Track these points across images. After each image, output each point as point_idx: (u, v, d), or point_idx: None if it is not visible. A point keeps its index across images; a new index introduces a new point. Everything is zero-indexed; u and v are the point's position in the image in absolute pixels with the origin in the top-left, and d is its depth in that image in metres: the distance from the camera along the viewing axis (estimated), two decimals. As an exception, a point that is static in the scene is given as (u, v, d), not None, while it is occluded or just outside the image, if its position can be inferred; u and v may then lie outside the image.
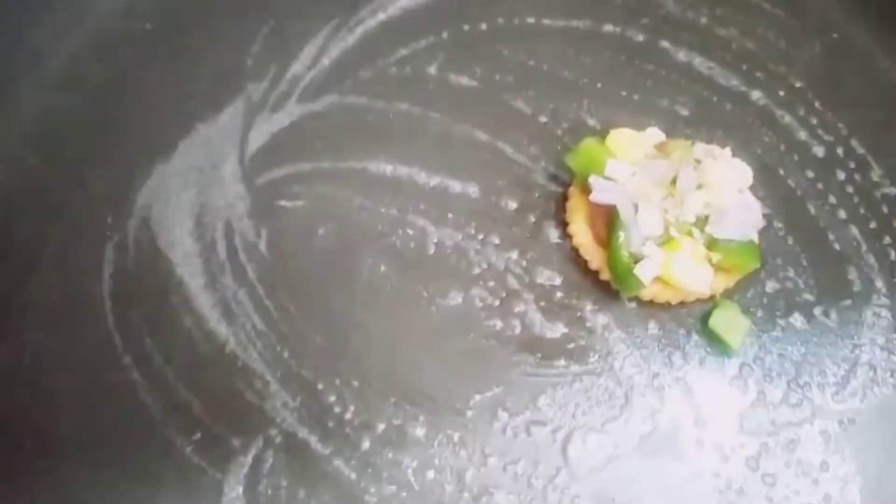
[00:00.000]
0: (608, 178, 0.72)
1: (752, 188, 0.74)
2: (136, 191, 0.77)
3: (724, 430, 0.70)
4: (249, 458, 0.67)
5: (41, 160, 0.79)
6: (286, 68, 0.84)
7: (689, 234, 0.70)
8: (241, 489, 0.66)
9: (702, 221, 0.70)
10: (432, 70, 0.84)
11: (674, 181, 0.71)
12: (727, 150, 0.74)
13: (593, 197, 0.71)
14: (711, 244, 0.70)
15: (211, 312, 0.72)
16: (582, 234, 0.74)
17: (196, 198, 0.77)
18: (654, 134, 0.76)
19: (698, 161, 0.71)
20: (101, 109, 0.81)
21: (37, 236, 0.75)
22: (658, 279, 0.71)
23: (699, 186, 0.70)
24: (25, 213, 0.76)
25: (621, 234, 0.70)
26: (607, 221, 0.72)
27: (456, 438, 0.68)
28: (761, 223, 0.73)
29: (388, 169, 0.79)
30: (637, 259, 0.70)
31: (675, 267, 0.69)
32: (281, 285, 0.74)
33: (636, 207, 0.70)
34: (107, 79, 0.83)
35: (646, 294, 0.72)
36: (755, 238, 0.73)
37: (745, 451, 0.70)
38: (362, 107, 0.82)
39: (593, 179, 0.72)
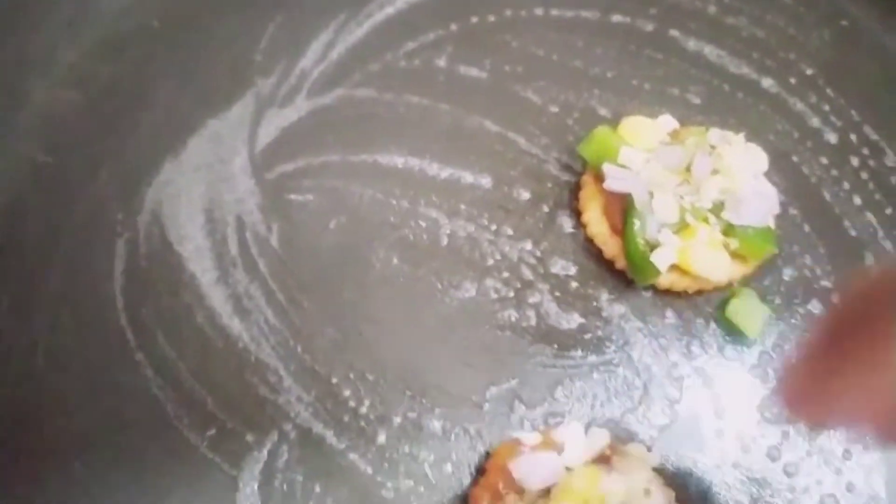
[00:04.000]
0: (622, 166, 0.71)
1: (767, 175, 0.73)
2: (146, 187, 0.77)
3: (744, 419, 0.69)
4: (264, 454, 0.66)
5: (51, 158, 0.78)
6: (295, 63, 0.83)
7: (706, 220, 0.69)
8: (256, 485, 0.65)
9: (718, 208, 0.70)
10: (441, 62, 0.83)
11: (688, 168, 0.70)
12: (741, 136, 0.73)
13: (607, 185, 0.71)
14: (728, 230, 0.69)
15: (223, 307, 0.72)
16: (596, 223, 0.73)
17: (206, 193, 0.77)
18: (668, 121, 0.75)
19: (713, 147, 0.70)
20: (110, 107, 0.81)
21: (47, 234, 0.74)
22: (674, 267, 0.70)
23: (714, 172, 0.69)
24: (35, 212, 0.76)
25: (636, 222, 0.69)
26: (622, 210, 0.71)
27: (473, 431, 0.68)
28: (777, 209, 0.73)
29: (399, 161, 0.79)
30: (653, 247, 0.69)
31: (691, 254, 0.69)
32: (293, 279, 0.73)
33: (651, 195, 0.69)
34: (115, 76, 0.82)
35: (662, 283, 0.71)
36: (771, 224, 0.72)
37: (767, 441, 0.69)
38: (371, 100, 0.82)
39: (607, 167, 0.71)
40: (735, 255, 0.71)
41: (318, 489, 0.65)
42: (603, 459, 0.61)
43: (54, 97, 0.81)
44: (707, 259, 0.69)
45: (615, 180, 0.70)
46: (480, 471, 0.65)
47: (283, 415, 0.68)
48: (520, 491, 0.60)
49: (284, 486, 0.65)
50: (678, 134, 0.74)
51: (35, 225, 0.75)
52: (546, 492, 0.59)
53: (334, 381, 0.69)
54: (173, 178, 0.78)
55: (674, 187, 0.70)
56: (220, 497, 0.65)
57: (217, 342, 0.70)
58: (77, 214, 0.76)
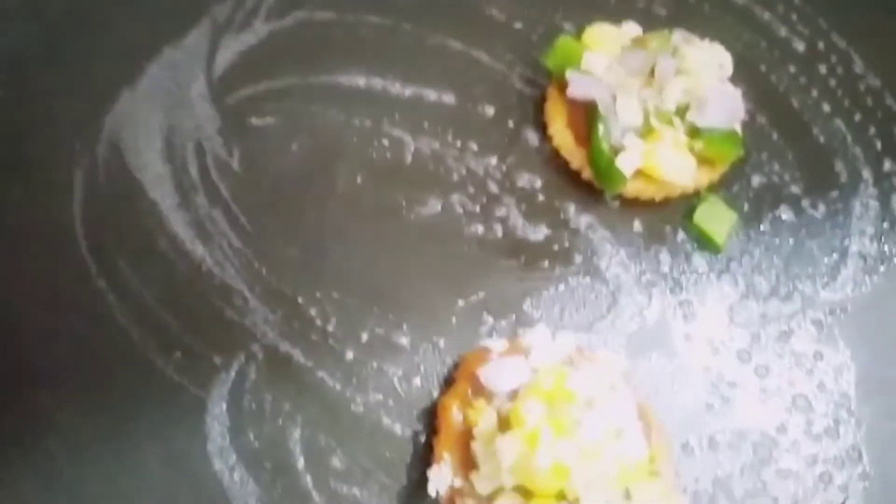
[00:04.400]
0: (585, 73, 0.70)
1: (735, 85, 0.72)
2: (103, 116, 0.75)
3: (713, 324, 0.69)
4: (232, 374, 0.65)
5: (5, 91, 0.76)
6: (251, -13, 0.81)
7: (670, 123, 0.68)
8: (224, 405, 0.64)
9: (682, 110, 0.69)
10: (403, -19, 0.81)
11: (652, 71, 0.69)
12: (706, 40, 0.72)
13: (570, 91, 0.70)
14: (693, 133, 0.69)
15: (185, 232, 0.70)
16: (562, 134, 0.72)
17: (165, 120, 0.75)
18: (632, 28, 0.74)
19: (676, 48, 0.69)
20: (65, 37, 0.79)
21: (4, 168, 0.73)
22: (641, 175, 0.70)
23: (678, 73, 0.68)
24: (-10, 145, 0.74)
25: (601, 127, 0.68)
26: (587, 119, 0.70)
27: (441, 344, 0.67)
28: (743, 113, 0.72)
29: (360, 82, 0.77)
30: (618, 152, 0.68)
31: (656, 157, 0.68)
32: (256, 202, 0.72)
33: (614, 99, 0.68)
34: (68, 6, 0.80)
35: (629, 191, 0.71)
36: (738, 129, 0.72)
37: (737, 344, 0.68)
38: (331, 22, 0.80)
39: (570, 74, 0.70)
40: (702, 161, 0.70)
41: (287, 407, 0.65)
42: (570, 363, 0.61)
43: (6, 31, 0.79)
44: (672, 162, 0.68)
45: (578, 86, 0.69)
46: (449, 381, 0.65)
47: (250, 336, 0.67)
48: (488, 396, 0.59)
49: (253, 405, 0.65)
50: (642, 41, 0.72)
51: (-9, 157, 0.73)
52: (513, 396, 0.58)
53: (300, 300, 0.68)
54: (130, 107, 0.76)
55: (637, 90, 0.69)
56: (188, 419, 0.64)
57: (180, 267, 0.69)
58: (34, 146, 0.74)
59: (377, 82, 0.77)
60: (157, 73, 0.77)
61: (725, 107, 0.69)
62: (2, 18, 0.80)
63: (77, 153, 0.73)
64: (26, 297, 0.68)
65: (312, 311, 0.68)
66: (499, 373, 0.59)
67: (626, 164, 0.67)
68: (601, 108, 0.68)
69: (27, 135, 0.74)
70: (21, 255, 0.70)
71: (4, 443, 0.63)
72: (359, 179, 0.73)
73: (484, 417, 0.58)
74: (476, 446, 0.57)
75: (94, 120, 0.75)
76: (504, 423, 0.57)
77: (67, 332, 0.67)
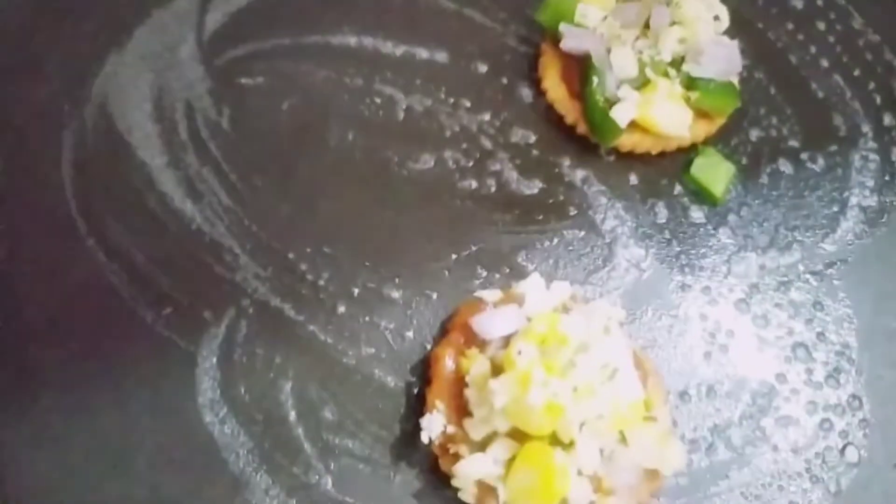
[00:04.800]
0: (579, 25, 0.69)
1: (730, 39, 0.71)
2: (91, 78, 0.74)
3: (710, 274, 0.68)
4: (222, 329, 0.64)
5: (-8, 54, 0.75)
6: (240, -51, 0.80)
7: (666, 74, 0.68)
8: (214, 359, 0.63)
9: (678, 61, 0.68)
10: (394, -59, 0.80)
11: (647, 24, 0.68)
12: (702, -9, 0.71)
13: (564, 44, 0.69)
14: (689, 84, 0.68)
15: (175, 191, 0.70)
16: (555, 88, 0.72)
17: (154, 81, 0.74)
18: (626, -18, 0.73)
19: (671, -1, 0.68)
20: (52, 1, 0.78)
21: (-8, 130, 0.72)
22: (637, 128, 0.69)
23: (673, 23, 0.67)
24: (-21, 109, 0.73)
25: (595, 80, 0.67)
26: (581, 73, 0.69)
27: (434, 298, 0.66)
28: (740, 65, 0.71)
29: (351, 41, 0.76)
30: (612, 104, 0.67)
31: (652, 109, 0.67)
32: (246, 160, 0.71)
33: (609, 51, 0.67)
34: (56, -30, 0.79)
35: (624, 144, 0.70)
36: (735, 82, 0.71)
37: (735, 295, 0.67)
38: (322, -17, 0.79)
39: (564, 27, 0.69)
40: (699, 114, 0.69)
41: (278, 360, 0.64)
42: (564, 311, 0.60)
43: (-6, -6, 0.78)
44: (668, 113, 0.67)
45: (572, 38, 0.69)
46: (442, 333, 0.64)
47: (241, 291, 0.66)
48: (481, 345, 0.58)
49: (244, 359, 0.64)
50: (637, -6, 0.71)
51: (-21, 121, 0.73)
52: (507, 343, 0.57)
53: (291, 256, 0.67)
54: (119, 69, 0.75)
55: (632, 41, 0.68)
56: (179, 373, 0.63)
57: (170, 225, 0.69)
58: (23, 108, 0.73)
59: (368, 41, 0.76)
60: (146, 36, 0.77)
61: (722, 58, 0.68)
62: (-8, -18, 0.79)
63: (65, 115, 0.73)
64: (17, 258, 0.67)
65: (303, 266, 0.67)
66: (492, 321, 0.58)
67: (621, 115, 0.66)
68: (595, 61, 0.67)
69: (16, 97, 0.74)
70: (11, 217, 0.69)
71: (-7, 401, 0.62)
72: (350, 137, 0.72)
73: (477, 364, 0.57)
74: (469, 392, 0.56)
75: (82, 82, 0.74)
76: (497, 371, 0.56)
77: (58, 290, 0.66)
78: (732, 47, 0.69)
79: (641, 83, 0.68)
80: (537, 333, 0.54)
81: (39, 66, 0.75)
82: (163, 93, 0.74)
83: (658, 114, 0.67)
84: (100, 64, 0.75)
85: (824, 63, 0.78)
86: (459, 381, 0.58)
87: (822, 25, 0.80)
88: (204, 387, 0.63)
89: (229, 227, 0.68)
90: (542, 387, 0.51)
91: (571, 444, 0.53)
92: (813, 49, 0.79)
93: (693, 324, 0.66)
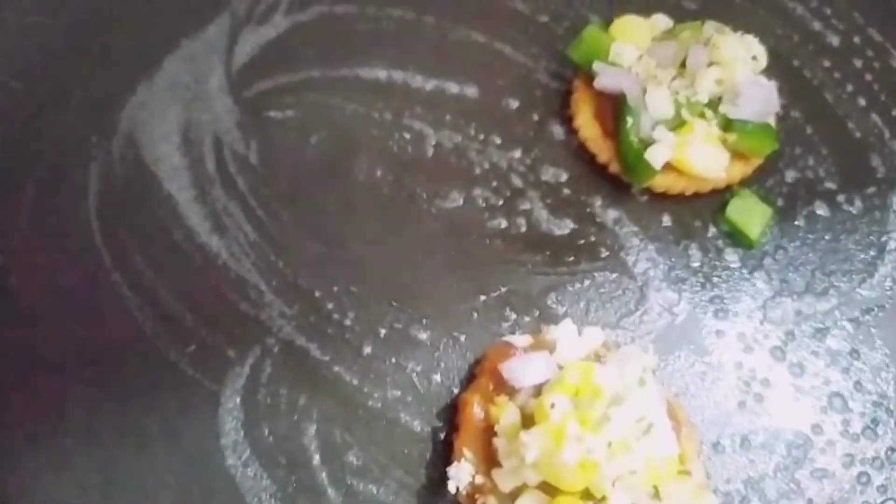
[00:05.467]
0: (613, 64, 0.68)
1: (767, 79, 0.70)
2: (119, 109, 0.74)
3: (746, 320, 0.67)
4: (246, 368, 0.64)
5: (23, 83, 0.75)
6: (272, -19, 0.80)
7: (702, 115, 0.66)
8: (238, 399, 0.63)
9: (715, 102, 0.67)
10: (426, -26, 0.80)
11: (683, 63, 0.67)
12: (739, 33, 0.70)
13: (598, 83, 0.68)
14: (726, 126, 0.66)
15: (201, 225, 0.69)
16: (588, 126, 0.70)
17: (182, 113, 0.74)
18: (661, 20, 0.72)
19: (708, 39, 0.67)
20: (83, 30, 0.78)
21: (21, 159, 0.72)
22: (671, 168, 0.67)
23: (711, 64, 0.66)
24: (9, 137, 0.73)
25: (629, 120, 0.66)
26: (614, 110, 0.68)
27: (462, 340, 0.65)
28: (777, 106, 0.69)
29: (381, 75, 0.76)
30: (647, 145, 0.66)
31: (687, 151, 0.66)
32: (273, 195, 0.70)
33: (644, 90, 0.66)
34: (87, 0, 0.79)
35: (658, 184, 0.68)
36: (772, 123, 0.69)
37: (770, 342, 0.66)
38: (352, 15, 0.79)
39: (598, 65, 0.68)
40: (735, 155, 0.68)
41: (302, 401, 0.63)
42: (596, 359, 0.58)
43: (25, 23, 0.79)
44: (704, 156, 0.66)
45: (607, 77, 0.67)
46: (469, 378, 0.62)
47: (266, 329, 0.65)
48: (511, 392, 0.57)
49: (268, 399, 0.63)
50: (673, 31, 0.70)
51: (8, 150, 0.73)
52: (537, 391, 0.56)
53: (317, 294, 0.66)
54: (148, 100, 0.75)
55: (668, 82, 0.67)
56: (202, 412, 0.62)
57: (196, 260, 0.68)
58: (50, 138, 0.73)
59: (398, 75, 0.75)
60: (176, 67, 0.76)
61: (760, 99, 0.66)
62: (22, 11, 0.79)
63: (93, 146, 0.72)
64: (41, 290, 0.67)
65: (330, 305, 0.66)
66: (522, 367, 0.57)
67: (655, 157, 0.65)
68: (630, 100, 0.66)
69: (44, 127, 0.73)
70: (36, 248, 0.68)
71: (17, 435, 0.62)
72: (378, 172, 0.71)
73: (506, 413, 0.55)
74: (498, 442, 0.55)
75: (110, 113, 0.74)
76: (528, 420, 0.55)
77: (82, 324, 0.66)
78: (770, 88, 0.68)
79: (677, 124, 0.66)
80: (570, 385, 0.53)
81: (68, 96, 0.75)
82: (191, 125, 0.74)
83: (694, 156, 0.66)
84: (129, 94, 0.75)
85: (862, 102, 0.77)
86: (488, 430, 0.57)
87: (859, 63, 0.79)
88: (227, 427, 0.62)
89: (255, 263, 0.67)
90: (576, 442, 0.49)
91: (603, 498, 0.51)
92: (850, 87, 0.77)
93: (727, 371, 0.64)
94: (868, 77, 0.78)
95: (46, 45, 0.77)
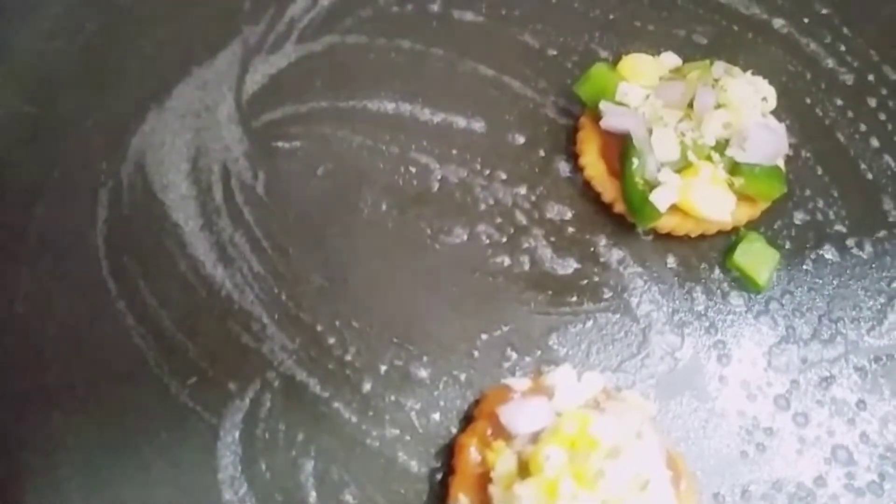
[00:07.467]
0: (619, 103, 0.68)
1: (777, 116, 0.70)
2: (130, 136, 0.74)
3: (750, 367, 0.66)
4: (246, 402, 0.64)
5: (35, 108, 0.76)
6: (283, 10, 0.80)
7: (709, 158, 0.66)
8: (237, 433, 0.63)
9: (722, 145, 0.66)
10: (435, 7, 0.80)
11: (691, 104, 0.67)
12: (748, 72, 0.69)
13: (604, 122, 0.67)
14: (733, 169, 0.66)
15: (207, 256, 0.69)
16: (594, 165, 0.70)
17: (191, 141, 0.74)
18: (670, 58, 0.72)
19: (717, 80, 0.66)
20: (95, 56, 0.78)
21: (30, 184, 0.72)
22: (677, 209, 0.67)
23: (718, 106, 0.65)
24: (19, 162, 0.74)
25: (635, 161, 0.66)
26: (620, 150, 0.67)
27: (462, 379, 0.65)
28: (786, 148, 0.68)
29: (389, 107, 0.76)
30: (652, 187, 0.65)
31: (693, 194, 0.65)
32: (279, 227, 0.70)
33: (650, 132, 0.66)
34: (100, 25, 0.80)
35: (663, 226, 0.68)
36: (781, 165, 0.68)
37: (774, 390, 0.65)
38: (363, 46, 0.79)
39: (604, 105, 0.68)
40: (742, 198, 0.67)
41: (300, 437, 0.63)
42: (595, 405, 0.58)
43: (38, 48, 0.79)
44: (711, 199, 0.65)
45: (612, 117, 0.67)
46: (468, 418, 0.62)
47: (266, 363, 0.65)
48: (508, 437, 0.57)
49: (267, 435, 0.63)
50: (680, 71, 0.70)
51: (18, 175, 0.73)
52: (535, 438, 0.56)
53: (319, 328, 0.66)
54: (158, 127, 0.75)
55: (674, 123, 0.66)
56: (200, 446, 0.62)
57: (200, 291, 0.68)
58: (60, 164, 0.74)
59: (406, 108, 0.75)
60: (186, 94, 0.77)
61: (768, 143, 0.66)
62: (34, 38, 0.80)
63: (103, 173, 0.73)
64: (45, 317, 0.67)
65: (331, 340, 0.66)
66: (520, 414, 0.56)
67: (661, 199, 0.64)
68: (636, 141, 0.66)
69: (54, 153, 0.74)
70: (42, 275, 0.69)
71: (15, 465, 0.62)
72: (384, 206, 0.71)
73: (502, 460, 0.55)
74: (493, 490, 0.54)
75: (121, 140, 0.74)
76: (524, 468, 0.54)
77: (84, 351, 0.66)
78: (779, 131, 0.67)
79: (683, 166, 0.66)
80: (566, 435, 0.53)
81: (78, 122, 0.75)
82: (200, 153, 0.74)
83: (700, 198, 0.65)
84: (139, 121, 0.75)
85: (874, 142, 0.76)
86: (484, 475, 0.56)
87: (873, 102, 0.78)
88: (225, 462, 0.62)
89: (258, 296, 0.68)
90: (570, 500, 0.49)
91: (597, 553, 0.51)
92: (863, 127, 0.77)
93: (729, 419, 0.64)
94: (882, 116, 0.77)
95: (58, 71, 0.78)
